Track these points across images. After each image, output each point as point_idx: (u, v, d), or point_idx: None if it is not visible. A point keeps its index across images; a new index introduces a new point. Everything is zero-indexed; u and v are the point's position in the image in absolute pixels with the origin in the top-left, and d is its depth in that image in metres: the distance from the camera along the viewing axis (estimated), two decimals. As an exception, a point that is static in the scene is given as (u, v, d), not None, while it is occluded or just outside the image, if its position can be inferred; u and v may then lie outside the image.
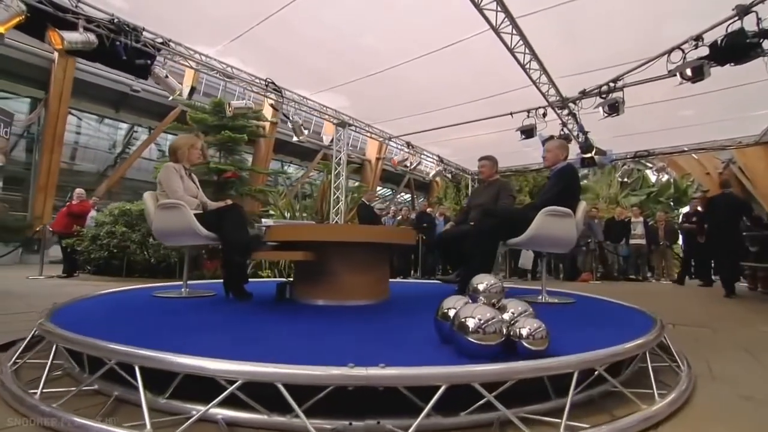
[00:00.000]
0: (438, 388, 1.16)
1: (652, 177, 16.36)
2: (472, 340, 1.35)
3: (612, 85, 5.65)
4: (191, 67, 5.50)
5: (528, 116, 6.75)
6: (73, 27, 4.07)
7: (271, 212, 9.14)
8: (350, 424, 1.20)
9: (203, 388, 1.25)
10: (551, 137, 5.53)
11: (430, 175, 11.01)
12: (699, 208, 7.95)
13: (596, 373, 1.41)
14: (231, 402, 1.24)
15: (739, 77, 4.93)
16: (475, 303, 1.53)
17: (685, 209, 11.51)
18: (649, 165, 13.93)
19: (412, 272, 8.67)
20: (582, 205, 2.96)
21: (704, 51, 4.30)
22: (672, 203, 15.45)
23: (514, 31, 4.50)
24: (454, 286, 3.14)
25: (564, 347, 1.46)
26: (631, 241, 9.11)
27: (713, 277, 7.17)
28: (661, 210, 11.36)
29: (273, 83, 6.16)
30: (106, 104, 13.05)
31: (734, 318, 3.92)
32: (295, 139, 7.25)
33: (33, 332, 1.84)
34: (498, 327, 1.37)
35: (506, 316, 1.50)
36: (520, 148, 7.52)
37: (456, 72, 5.63)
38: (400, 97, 6.60)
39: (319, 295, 2.61)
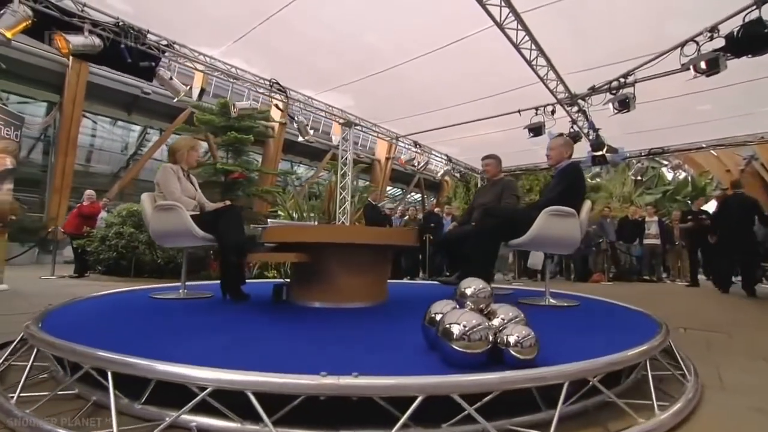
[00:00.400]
0: (415, 398, 1.10)
1: (668, 175, 15.94)
2: (456, 347, 1.27)
3: (622, 80, 5.47)
4: (196, 69, 5.54)
5: (536, 114, 6.58)
6: (78, 31, 4.12)
7: (279, 212, 9.16)
8: (325, 435, 1.15)
9: (184, 394, 1.21)
10: (560, 135, 5.39)
11: (439, 174, 10.88)
12: (702, 207, 7.71)
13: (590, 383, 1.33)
14: (207, 409, 1.21)
15: (761, 69, 4.72)
16: (462, 308, 1.45)
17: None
18: (665, 162, 13.56)
19: (420, 273, 8.58)
20: (586, 205, 2.85)
21: (719, 43, 4.12)
22: (689, 201, 14.99)
23: (520, 27, 4.39)
24: (454, 287, 3.06)
25: (559, 354, 1.38)
26: (645, 241, 8.82)
27: (733, 279, 6.91)
28: (677, 209, 11.02)
29: (278, 83, 6.15)
30: (118, 107, 13.29)
31: (753, 322, 3.74)
32: (300, 139, 7.25)
33: (21, 335, 1.84)
34: (484, 334, 1.29)
35: (495, 322, 1.41)
36: (529, 147, 7.35)
37: (461, 70, 5.53)
38: (406, 96, 6.52)
39: (315, 297, 2.57)
